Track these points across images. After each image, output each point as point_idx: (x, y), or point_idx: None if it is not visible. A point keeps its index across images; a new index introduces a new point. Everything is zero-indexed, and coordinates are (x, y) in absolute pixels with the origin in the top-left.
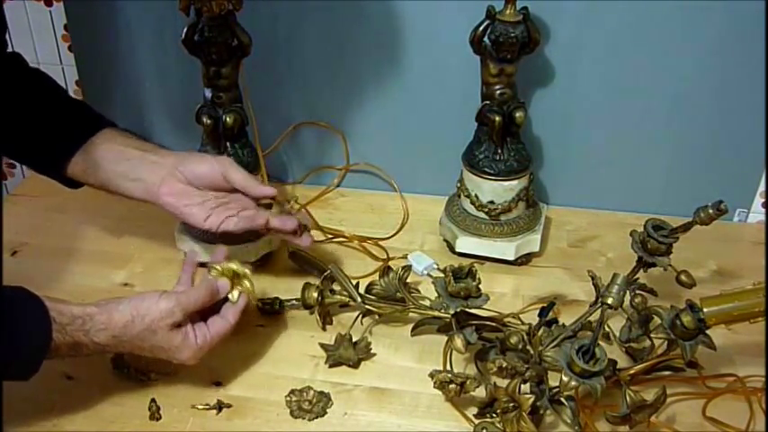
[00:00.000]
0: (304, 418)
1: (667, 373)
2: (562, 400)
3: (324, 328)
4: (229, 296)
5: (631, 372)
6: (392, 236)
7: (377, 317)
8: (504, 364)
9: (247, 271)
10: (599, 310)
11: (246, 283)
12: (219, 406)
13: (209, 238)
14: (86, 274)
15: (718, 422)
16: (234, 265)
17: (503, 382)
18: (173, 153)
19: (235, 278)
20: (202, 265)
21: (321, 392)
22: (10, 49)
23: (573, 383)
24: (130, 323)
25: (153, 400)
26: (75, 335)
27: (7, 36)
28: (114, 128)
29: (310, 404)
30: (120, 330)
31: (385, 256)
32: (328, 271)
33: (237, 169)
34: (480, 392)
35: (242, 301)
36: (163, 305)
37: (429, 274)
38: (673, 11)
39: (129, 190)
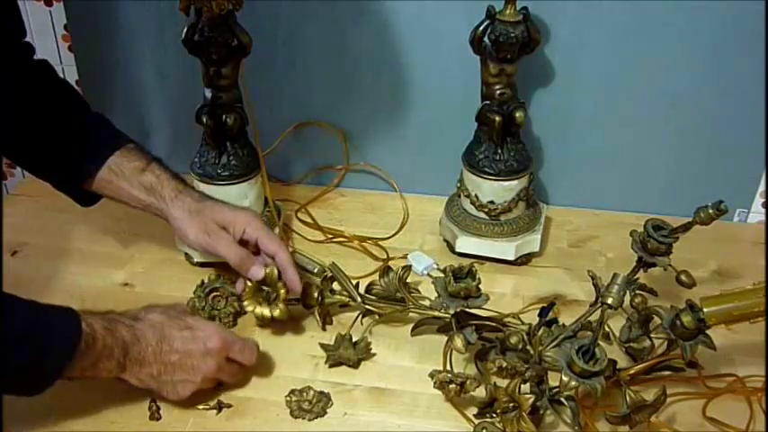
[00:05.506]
0: (304, 418)
1: (667, 373)
2: (562, 400)
3: (324, 328)
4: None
5: (631, 372)
6: (392, 236)
7: (377, 317)
8: (504, 364)
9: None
10: (599, 310)
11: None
12: (219, 406)
13: None
14: (86, 275)
15: (718, 422)
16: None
17: (503, 382)
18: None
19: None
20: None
21: (321, 392)
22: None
23: (573, 383)
24: (170, 315)
25: (153, 401)
26: (112, 320)
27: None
28: (128, 147)
29: (310, 404)
30: (161, 311)
31: (385, 256)
32: (328, 271)
33: (262, 227)
34: (480, 392)
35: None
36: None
37: (429, 274)
38: (672, 11)
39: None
